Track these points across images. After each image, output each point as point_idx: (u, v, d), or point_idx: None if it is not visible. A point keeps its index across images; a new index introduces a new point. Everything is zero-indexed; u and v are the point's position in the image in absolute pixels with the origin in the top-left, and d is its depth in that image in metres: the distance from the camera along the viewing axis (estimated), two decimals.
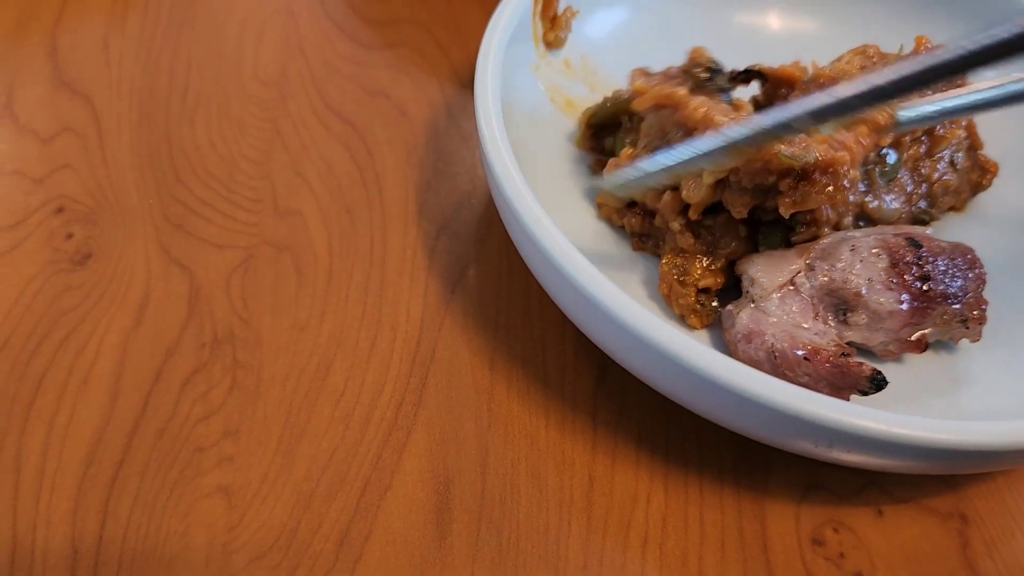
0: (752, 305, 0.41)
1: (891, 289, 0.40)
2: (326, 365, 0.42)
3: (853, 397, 0.39)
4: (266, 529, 0.37)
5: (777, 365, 0.40)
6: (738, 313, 0.41)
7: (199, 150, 0.51)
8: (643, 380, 0.39)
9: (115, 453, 0.39)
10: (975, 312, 0.42)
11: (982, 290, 0.42)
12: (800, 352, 0.39)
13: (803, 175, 0.40)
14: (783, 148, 0.40)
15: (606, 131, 0.49)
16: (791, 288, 0.41)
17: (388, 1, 0.61)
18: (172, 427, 0.40)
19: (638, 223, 0.45)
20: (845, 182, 0.40)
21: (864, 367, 0.39)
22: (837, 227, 0.43)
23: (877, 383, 0.39)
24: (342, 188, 0.49)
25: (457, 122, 0.53)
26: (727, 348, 0.42)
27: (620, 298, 0.35)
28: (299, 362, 0.42)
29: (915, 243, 0.41)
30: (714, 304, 0.43)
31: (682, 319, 0.43)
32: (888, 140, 0.43)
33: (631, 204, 0.45)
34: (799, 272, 0.41)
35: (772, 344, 0.40)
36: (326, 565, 0.36)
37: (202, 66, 0.55)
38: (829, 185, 0.40)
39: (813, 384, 0.39)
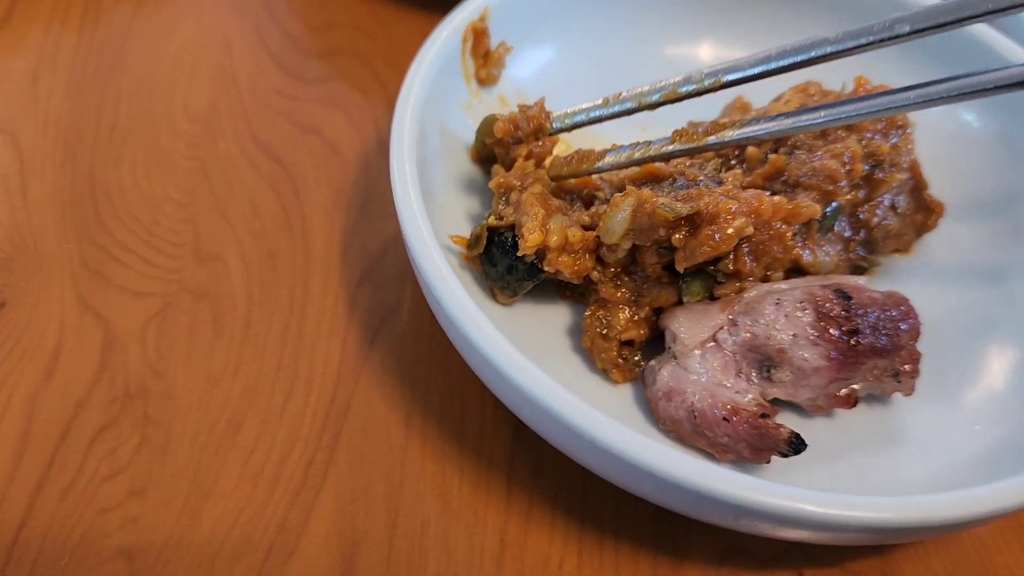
0: (674, 361, 0.40)
1: (817, 344, 0.39)
2: (238, 421, 0.41)
3: (776, 458, 0.38)
4: None
5: (697, 425, 0.39)
6: (659, 370, 0.40)
7: (123, 191, 0.50)
8: (554, 445, 0.38)
9: (17, 514, 0.38)
10: (907, 366, 0.40)
11: (916, 342, 0.41)
12: (719, 412, 0.38)
13: (692, 227, 0.39)
14: (661, 201, 0.39)
15: (493, 160, 0.48)
16: (713, 344, 0.40)
17: (329, 32, 0.60)
18: (77, 486, 0.39)
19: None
20: (737, 232, 0.39)
21: (782, 430, 0.38)
22: (765, 280, 0.42)
23: (795, 446, 0.38)
24: (267, 231, 0.48)
25: (388, 156, 0.52)
26: (649, 405, 0.41)
27: (524, 367, 0.34)
28: (210, 417, 0.41)
29: (844, 295, 0.40)
30: (636, 358, 0.42)
31: (605, 373, 0.42)
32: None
33: None
34: (721, 328, 0.40)
35: (692, 403, 0.39)
36: None
37: (132, 101, 0.54)
38: (715, 236, 0.38)
39: (733, 445, 0.38)
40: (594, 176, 0.45)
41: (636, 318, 0.42)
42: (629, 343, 0.42)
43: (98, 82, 0.55)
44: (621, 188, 0.43)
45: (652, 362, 0.41)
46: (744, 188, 0.42)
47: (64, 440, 0.40)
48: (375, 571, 0.37)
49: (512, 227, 0.41)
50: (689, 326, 0.41)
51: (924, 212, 0.48)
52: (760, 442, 0.38)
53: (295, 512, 0.39)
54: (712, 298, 0.42)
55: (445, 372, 0.44)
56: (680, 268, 0.40)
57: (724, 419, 0.38)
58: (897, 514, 0.32)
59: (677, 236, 0.39)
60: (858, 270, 0.46)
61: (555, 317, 0.44)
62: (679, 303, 0.42)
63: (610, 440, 0.33)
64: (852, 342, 0.39)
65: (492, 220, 0.42)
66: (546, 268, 0.41)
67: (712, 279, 0.41)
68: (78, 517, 0.38)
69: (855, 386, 0.41)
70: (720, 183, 0.42)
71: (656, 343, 0.42)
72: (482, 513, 0.39)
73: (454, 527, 0.39)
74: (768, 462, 0.38)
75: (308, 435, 0.41)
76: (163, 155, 0.51)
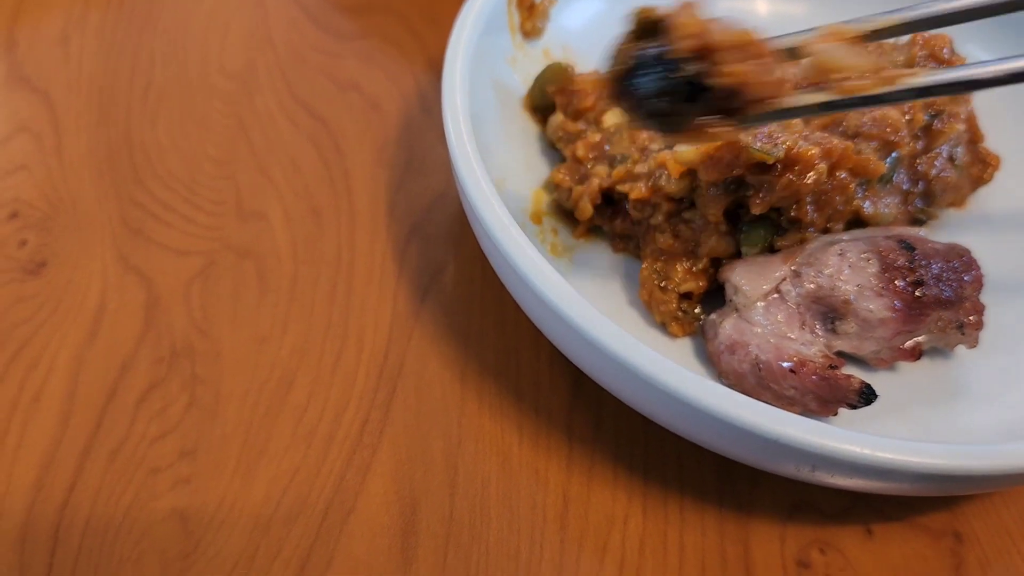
0: (736, 314, 0.39)
1: (882, 295, 0.38)
2: (288, 380, 0.40)
3: (843, 410, 0.37)
4: (222, 556, 0.36)
5: (762, 378, 0.38)
6: (721, 323, 0.39)
7: (160, 150, 0.48)
8: (620, 399, 0.37)
9: (67, 477, 0.37)
10: (971, 317, 0.39)
11: (979, 293, 0.40)
12: (786, 364, 0.37)
13: (771, 169, 0.38)
14: (752, 141, 0.37)
15: (550, 110, 0.47)
16: (776, 296, 0.39)
17: None
18: (127, 448, 0.38)
19: (619, 224, 0.43)
20: (818, 178, 0.38)
21: (852, 380, 0.37)
22: (826, 231, 0.41)
23: (866, 397, 0.37)
24: (309, 188, 0.47)
25: (432, 115, 0.51)
26: (710, 359, 0.40)
27: (591, 316, 0.33)
28: (260, 377, 0.40)
29: (907, 246, 0.39)
30: (696, 311, 0.41)
31: (663, 326, 0.41)
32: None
33: (610, 202, 0.43)
34: (784, 279, 0.39)
35: (756, 356, 0.38)
36: None
37: (165, 61, 0.53)
38: (798, 180, 0.38)
39: (800, 397, 0.37)
40: None
41: (694, 269, 0.41)
42: (688, 296, 0.41)
43: (130, 42, 0.54)
44: None
45: (713, 316, 0.40)
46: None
47: (111, 401, 0.39)
48: (436, 530, 0.37)
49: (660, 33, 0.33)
50: (751, 278, 0.40)
51: (980, 165, 0.47)
52: (829, 394, 0.37)
53: (352, 471, 0.38)
54: (772, 250, 0.41)
55: (499, 329, 0.42)
56: (756, 211, 0.39)
57: (791, 371, 0.37)
58: (968, 461, 0.31)
59: (756, 176, 0.38)
60: (916, 223, 0.45)
61: (610, 271, 0.43)
62: (737, 254, 0.41)
63: (683, 386, 0.32)
64: (917, 293, 0.38)
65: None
66: (715, 80, 0.31)
67: (773, 229, 0.40)
68: (129, 478, 0.37)
69: (920, 339, 0.40)
70: (786, 126, 0.40)
71: (716, 297, 0.41)
72: (543, 471, 0.38)
73: (515, 485, 0.38)
74: (835, 414, 0.37)
75: (362, 393, 0.40)
76: (200, 113, 0.50)
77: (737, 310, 0.39)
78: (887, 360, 0.40)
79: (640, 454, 0.39)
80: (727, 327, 0.39)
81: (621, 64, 0.33)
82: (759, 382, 0.38)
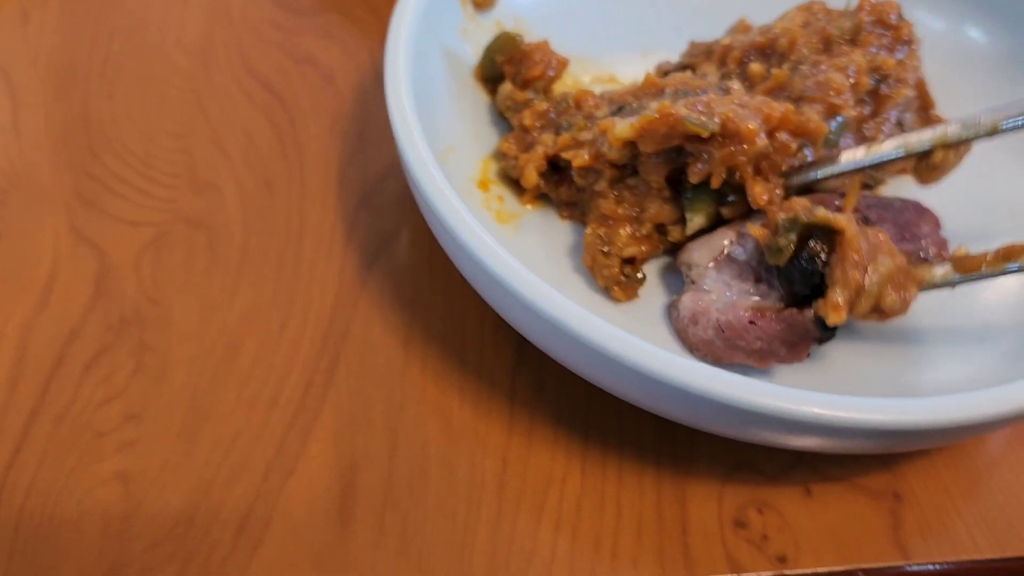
0: (692, 286, 0.40)
1: None
2: (235, 346, 0.41)
3: (789, 370, 0.38)
4: (163, 516, 0.36)
5: (727, 339, 0.38)
6: (679, 299, 0.40)
7: (117, 123, 0.49)
8: (556, 359, 0.37)
9: (12, 439, 0.38)
10: (934, 248, 0.39)
11: (939, 231, 0.40)
12: (745, 317, 0.37)
13: (709, 139, 0.38)
14: (687, 113, 0.38)
15: (500, 80, 0.47)
16: (725, 257, 0.39)
17: None
18: (72, 412, 0.38)
19: (565, 192, 0.43)
20: (759, 149, 0.38)
21: (806, 313, 0.37)
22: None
23: (823, 324, 0.37)
24: (263, 161, 0.48)
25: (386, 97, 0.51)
26: (680, 339, 0.40)
27: (523, 275, 0.34)
28: (207, 343, 0.41)
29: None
30: (639, 275, 0.41)
31: (607, 291, 0.41)
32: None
33: (556, 170, 0.43)
34: (731, 242, 0.39)
35: (717, 319, 0.38)
36: (223, 552, 0.35)
37: (124, 36, 0.53)
38: (738, 153, 0.38)
39: (768, 347, 0.37)
40: (594, 91, 0.44)
41: (637, 235, 0.41)
42: (631, 261, 0.41)
43: (90, 17, 0.54)
44: (620, 105, 0.43)
45: (672, 299, 0.41)
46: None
47: (59, 367, 0.40)
48: (375, 492, 0.37)
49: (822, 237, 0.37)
50: (700, 251, 0.40)
51: None
52: (792, 334, 0.37)
53: (293, 435, 0.38)
54: (718, 217, 0.41)
55: (445, 296, 0.43)
56: (695, 180, 0.39)
57: (751, 322, 0.37)
58: (903, 415, 0.32)
59: (694, 144, 0.38)
60: (865, 188, 0.45)
61: (556, 238, 0.43)
62: (682, 220, 0.41)
63: (610, 343, 0.32)
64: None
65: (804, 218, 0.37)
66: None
67: (717, 195, 0.40)
68: (74, 442, 0.38)
69: None
70: (727, 92, 0.41)
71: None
72: (483, 434, 0.39)
73: (455, 448, 0.38)
74: (808, 355, 0.38)
75: (306, 359, 0.40)
76: (157, 88, 0.51)
77: (693, 282, 0.40)
78: None
79: (581, 416, 0.39)
80: (685, 301, 0.39)
81: (777, 256, 0.37)
82: (726, 343, 0.38)
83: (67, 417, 0.38)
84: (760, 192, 0.39)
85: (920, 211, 0.40)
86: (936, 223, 0.40)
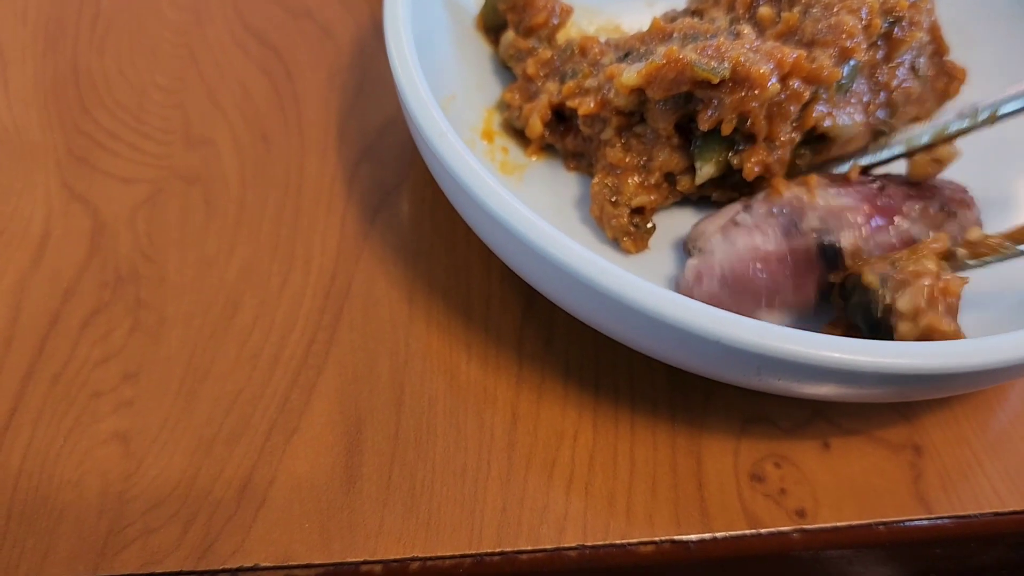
0: (698, 253, 0.38)
1: (843, 195, 0.37)
2: (234, 303, 0.40)
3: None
4: (164, 476, 0.35)
5: (733, 289, 0.37)
6: (685, 267, 0.38)
7: (108, 79, 0.47)
8: (565, 309, 0.36)
9: (7, 400, 0.37)
10: (957, 196, 0.39)
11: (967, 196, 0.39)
12: (748, 262, 0.37)
13: (720, 85, 0.37)
14: (696, 58, 0.36)
15: (502, 29, 0.46)
16: (731, 224, 0.38)
17: None
18: (68, 371, 0.37)
19: (570, 142, 0.42)
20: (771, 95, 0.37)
21: (809, 238, 0.36)
22: (780, 144, 0.40)
23: (827, 249, 0.36)
24: (259, 115, 0.46)
25: (384, 40, 0.49)
26: None
27: (533, 223, 0.32)
28: (205, 300, 0.40)
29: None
30: (648, 225, 0.40)
31: (616, 243, 0.40)
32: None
33: (561, 119, 0.42)
34: (738, 211, 0.38)
35: (720, 271, 0.37)
36: (227, 512, 0.34)
37: None
38: (749, 98, 0.37)
39: (777, 288, 0.36)
40: (600, 38, 0.43)
41: (646, 184, 0.40)
42: (640, 211, 0.40)
43: None
44: (627, 51, 0.41)
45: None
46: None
47: (54, 326, 0.39)
48: (381, 448, 0.36)
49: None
50: (707, 224, 0.39)
51: (945, 78, 0.45)
52: (799, 268, 0.36)
53: (296, 392, 0.37)
54: (728, 166, 0.40)
55: (450, 249, 0.42)
56: (704, 127, 0.38)
57: (755, 266, 0.36)
58: (920, 360, 0.31)
59: (704, 91, 0.37)
60: (878, 135, 0.44)
61: (562, 190, 0.42)
62: (691, 169, 0.40)
63: (626, 289, 0.31)
64: (878, 186, 0.37)
65: None
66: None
67: (727, 143, 0.39)
68: (71, 402, 0.37)
69: (905, 226, 0.38)
70: (737, 36, 0.39)
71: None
72: (492, 388, 0.38)
73: (463, 403, 0.37)
74: (817, 294, 0.37)
75: (308, 315, 0.39)
76: (149, 43, 0.49)
77: (700, 250, 0.38)
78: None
79: (591, 370, 0.38)
80: (690, 266, 0.38)
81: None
82: (733, 294, 0.37)
83: (63, 377, 0.37)
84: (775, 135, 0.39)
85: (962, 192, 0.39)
86: (964, 192, 0.39)
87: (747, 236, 0.38)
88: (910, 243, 0.38)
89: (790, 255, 0.36)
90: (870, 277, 0.35)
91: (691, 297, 0.38)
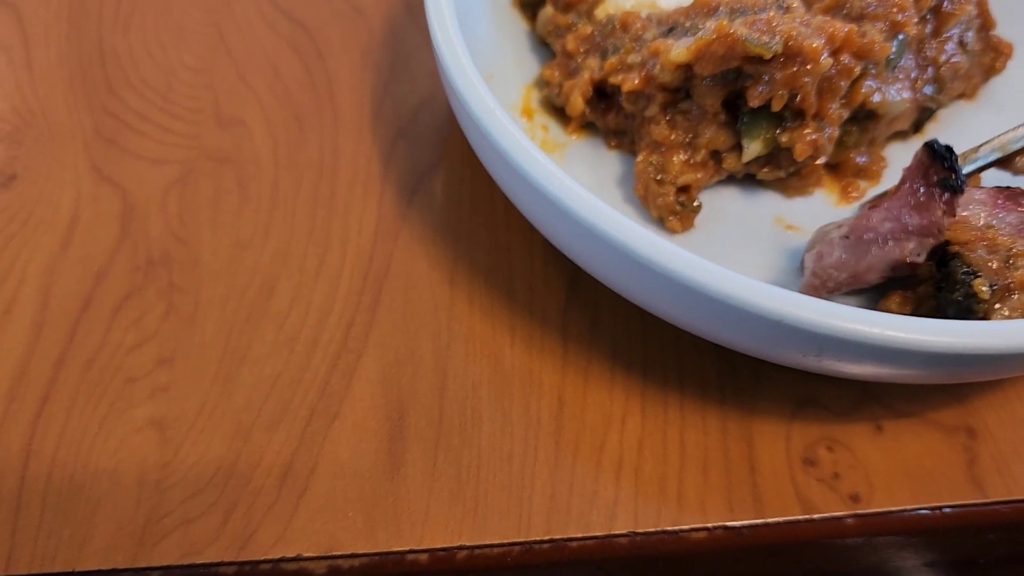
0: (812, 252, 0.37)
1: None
2: (270, 285, 0.39)
3: None
4: (202, 464, 0.34)
5: (855, 242, 0.35)
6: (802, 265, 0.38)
7: (134, 59, 0.46)
8: (614, 289, 0.35)
9: (40, 387, 0.36)
10: None
11: None
12: (864, 212, 0.36)
13: (771, 60, 0.36)
14: (748, 33, 0.35)
15: (539, 5, 0.45)
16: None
17: None
18: (102, 357, 0.36)
19: (612, 119, 0.41)
20: (823, 69, 0.36)
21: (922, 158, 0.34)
22: (829, 120, 0.38)
23: (947, 155, 0.34)
24: (290, 94, 0.45)
25: (417, 19, 0.49)
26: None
27: (578, 194, 0.31)
28: (240, 283, 0.39)
29: None
30: (695, 204, 0.39)
31: (661, 223, 0.39)
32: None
33: (603, 96, 0.41)
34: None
35: (836, 237, 0.36)
36: (267, 501, 0.33)
37: None
38: (801, 73, 0.36)
39: (900, 223, 0.35)
40: (640, 12, 0.41)
41: (692, 161, 0.39)
42: (685, 189, 0.39)
43: None
44: (671, 26, 0.40)
45: None
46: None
47: (86, 311, 0.38)
48: (426, 434, 0.35)
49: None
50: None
51: (992, 53, 0.45)
52: (916, 195, 0.34)
53: (336, 376, 0.36)
54: (776, 144, 0.39)
55: (490, 229, 0.41)
56: (755, 103, 0.37)
57: (871, 209, 0.35)
58: (982, 339, 0.29)
59: (754, 66, 0.36)
60: (925, 111, 0.43)
61: (604, 169, 0.41)
62: (738, 146, 0.39)
63: (680, 266, 0.30)
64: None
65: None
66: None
67: (776, 120, 0.38)
68: (104, 388, 0.36)
69: None
70: (786, 10, 0.38)
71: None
72: (537, 372, 0.37)
73: (508, 388, 0.36)
74: (947, 213, 0.34)
75: (346, 297, 0.38)
76: (175, 22, 0.48)
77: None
78: None
79: (639, 353, 0.37)
80: (808, 259, 0.37)
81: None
82: (856, 248, 0.35)
83: (96, 363, 0.36)
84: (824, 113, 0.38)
85: None
86: None
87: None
88: None
89: (905, 184, 0.35)
90: (975, 260, 0.34)
91: (818, 281, 0.37)
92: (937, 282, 0.35)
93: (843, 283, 0.36)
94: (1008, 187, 0.37)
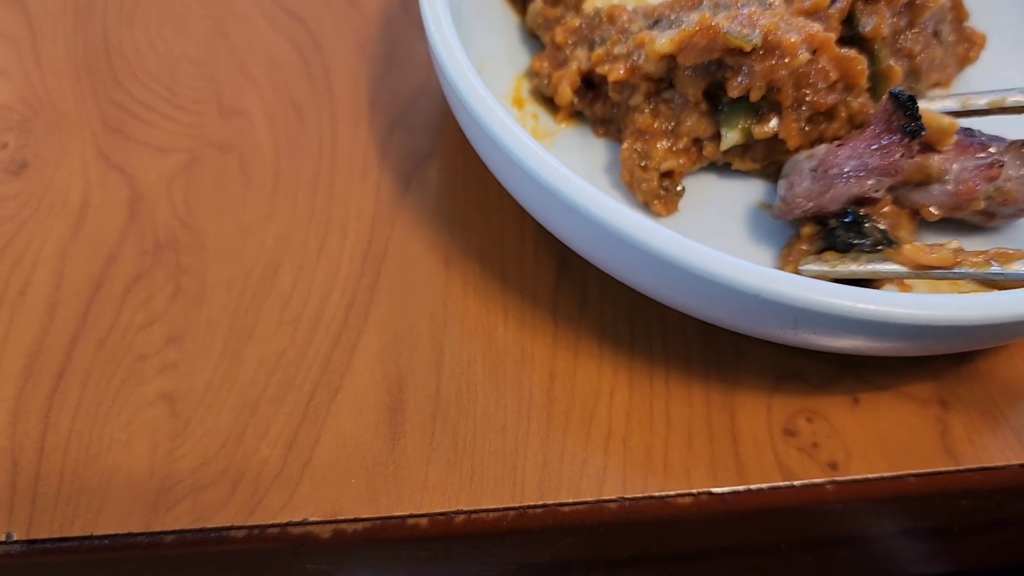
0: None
1: None
2: (273, 267, 0.40)
3: None
4: (211, 435, 0.36)
5: (822, 174, 0.38)
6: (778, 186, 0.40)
7: (138, 52, 0.48)
8: (601, 268, 0.37)
9: (55, 364, 0.37)
10: None
11: None
12: (833, 148, 0.38)
13: (750, 53, 0.38)
14: (729, 26, 0.37)
15: None
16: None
17: None
18: (114, 336, 0.38)
19: (600, 108, 0.43)
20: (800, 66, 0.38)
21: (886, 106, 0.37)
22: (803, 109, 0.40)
23: (905, 99, 0.36)
24: (289, 85, 0.47)
25: (411, 12, 0.50)
26: (784, 217, 0.40)
27: (567, 177, 0.33)
28: (245, 265, 0.40)
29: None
30: (678, 188, 0.41)
31: (646, 207, 0.41)
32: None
33: (590, 86, 0.43)
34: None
35: (808, 168, 0.38)
36: (274, 470, 0.35)
37: None
38: (779, 67, 0.37)
39: (863, 162, 0.37)
40: (627, 5, 0.43)
41: (675, 148, 0.41)
42: (669, 174, 0.41)
43: None
44: (656, 18, 0.42)
45: None
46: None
47: (97, 292, 0.39)
48: (423, 406, 0.37)
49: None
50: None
51: (966, 44, 0.46)
52: (880, 132, 0.37)
53: (338, 353, 0.38)
54: (750, 135, 0.40)
55: (483, 214, 0.42)
56: (733, 95, 0.39)
57: (837, 146, 0.38)
58: (951, 312, 0.31)
59: (734, 58, 0.38)
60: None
61: (592, 156, 0.43)
62: (718, 136, 0.41)
63: (662, 244, 0.32)
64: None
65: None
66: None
67: (753, 111, 0.40)
68: (117, 364, 0.37)
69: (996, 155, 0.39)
70: (768, 6, 0.40)
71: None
72: (529, 349, 0.39)
73: (501, 363, 0.38)
74: (910, 144, 0.37)
75: (346, 278, 0.40)
76: (177, 16, 0.50)
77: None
78: (972, 183, 0.39)
79: (625, 330, 0.39)
80: (780, 189, 0.39)
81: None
82: (823, 180, 0.38)
83: (109, 341, 0.38)
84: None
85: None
86: None
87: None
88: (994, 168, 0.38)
89: (871, 124, 0.37)
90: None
91: (786, 205, 0.39)
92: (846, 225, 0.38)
93: (808, 211, 0.38)
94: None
